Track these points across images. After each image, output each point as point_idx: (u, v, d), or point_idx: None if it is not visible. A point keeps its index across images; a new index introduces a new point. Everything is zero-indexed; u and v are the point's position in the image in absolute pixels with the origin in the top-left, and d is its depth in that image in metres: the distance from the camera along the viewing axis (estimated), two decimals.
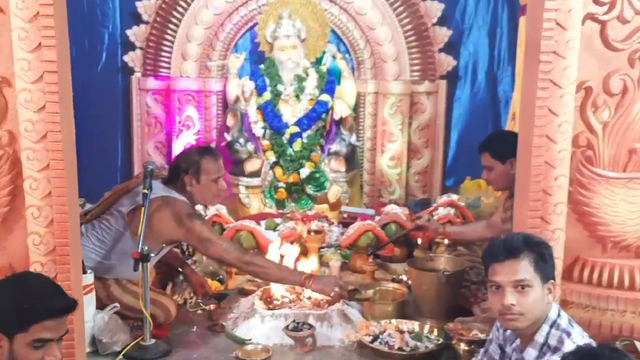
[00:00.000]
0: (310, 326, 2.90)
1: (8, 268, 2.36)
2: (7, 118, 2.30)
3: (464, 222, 4.21)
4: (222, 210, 4.18)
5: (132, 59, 5.16)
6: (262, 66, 5.02)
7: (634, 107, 2.54)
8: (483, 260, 2.04)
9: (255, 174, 4.81)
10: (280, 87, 4.92)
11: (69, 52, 2.35)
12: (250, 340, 2.95)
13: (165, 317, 3.02)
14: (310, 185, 4.78)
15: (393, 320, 3.03)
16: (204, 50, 5.14)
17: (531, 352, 1.95)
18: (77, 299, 1.88)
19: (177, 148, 5.02)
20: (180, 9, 5.07)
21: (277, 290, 3.28)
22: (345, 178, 4.91)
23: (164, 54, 5.12)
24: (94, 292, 2.88)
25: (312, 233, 4.04)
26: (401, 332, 2.94)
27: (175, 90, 5.14)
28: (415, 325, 3.00)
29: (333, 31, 5.13)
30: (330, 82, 4.95)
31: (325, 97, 4.90)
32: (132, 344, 2.85)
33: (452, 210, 4.26)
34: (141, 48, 5.13)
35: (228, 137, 4.85)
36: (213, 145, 5.01)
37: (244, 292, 3.57)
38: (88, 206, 3.43)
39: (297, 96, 4.92)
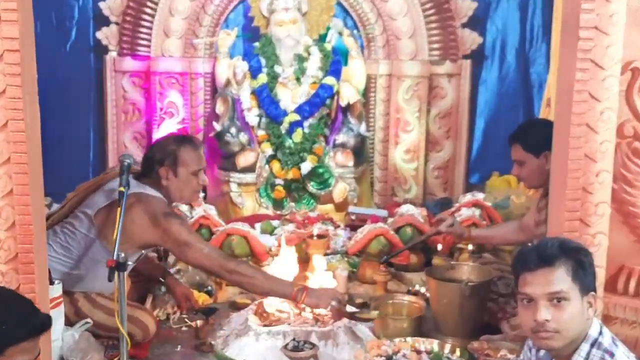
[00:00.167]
0: (313, 345, 2.90)
1: None
2: None
3: (490, 225, 4.21)
4: (211, 211, 4.18)
5: (106, 35, 5.16)
6: (256, 44, 5.03)
7: None
8: (513, 269, 2.04)
9: (249, 169, 4.81)
10: (277, 69, 4.92)
11: (33, 27, 2.35)
12: None
13: (143, 335, 3.02)
14: (312, 183, 4.79)
15: (409, 339, 3.03)
16: (190, 25, 5.14)
17: None
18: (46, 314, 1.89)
19: None
20: None
21: (274, 302, 3.28)
22: (353, 174, 4.92)
23: (143, 29, 5.12)
24: (62, 306, 2.88)
25: (315, 238, 4.04)
26: (418, 352, 2.94)
27: (156, 72, 5.15)
28: (434, 344, 3.00)
29: (339, 3, 5.13)
30: (335, 62, 4.95)
31: (329, 80, 4.90)
32: None
33: (477, 212, 4.27)
34: (117, 23, 5.13)
35: (217, 126, 4.84)
36: (200, 136, 5.03)
37: (235, 306, 3.58)
38: (55, 207, 3.43)
39: (298, 79, 4.93)
